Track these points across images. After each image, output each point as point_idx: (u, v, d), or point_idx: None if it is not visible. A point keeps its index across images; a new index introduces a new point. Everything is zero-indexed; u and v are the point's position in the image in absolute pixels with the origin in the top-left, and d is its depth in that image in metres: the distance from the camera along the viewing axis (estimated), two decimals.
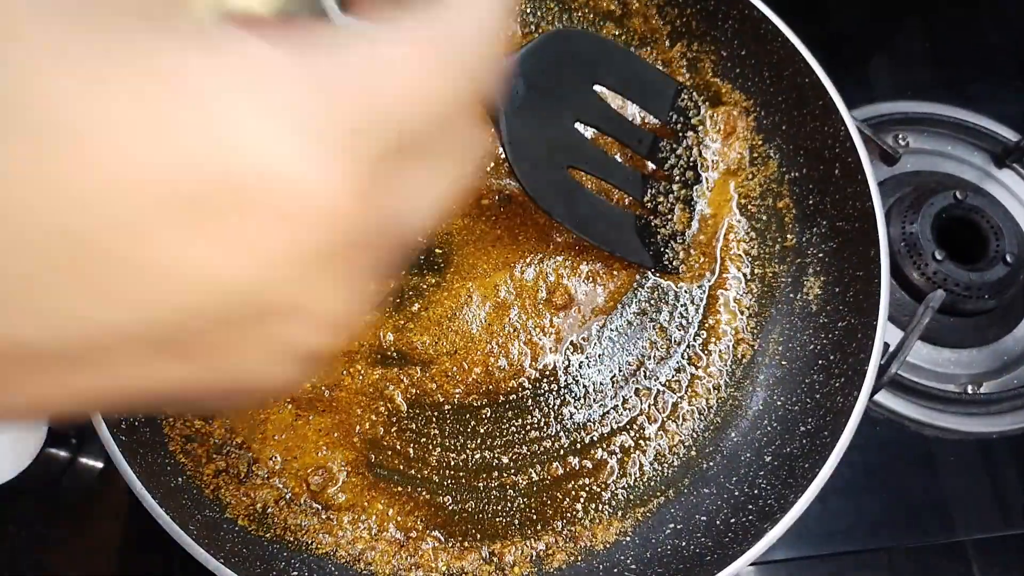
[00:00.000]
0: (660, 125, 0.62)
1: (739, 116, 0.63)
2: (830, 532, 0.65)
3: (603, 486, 0.56)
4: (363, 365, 0.57)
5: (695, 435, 0.58)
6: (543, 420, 0.57)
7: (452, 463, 0.56)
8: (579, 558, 0.54)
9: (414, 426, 0.56)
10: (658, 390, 0.59)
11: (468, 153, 0.23)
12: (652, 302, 0.61)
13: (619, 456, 0.57)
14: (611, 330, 0.60)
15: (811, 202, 0.61)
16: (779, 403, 0.58)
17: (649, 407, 0.59)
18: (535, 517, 0.55)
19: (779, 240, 0.62)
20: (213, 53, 0.17)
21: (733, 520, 0.53)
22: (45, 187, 0.15)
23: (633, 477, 0.57)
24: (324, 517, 0.54)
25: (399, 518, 0.54)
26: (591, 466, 0.57)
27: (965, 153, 0.79)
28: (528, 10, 0.67)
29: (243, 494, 0.53)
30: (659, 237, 0.61)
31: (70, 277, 0.16)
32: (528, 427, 0.57)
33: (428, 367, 0.58)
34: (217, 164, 0.16)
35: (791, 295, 0.61)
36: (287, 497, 0.54)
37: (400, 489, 0.55)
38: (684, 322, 0.61)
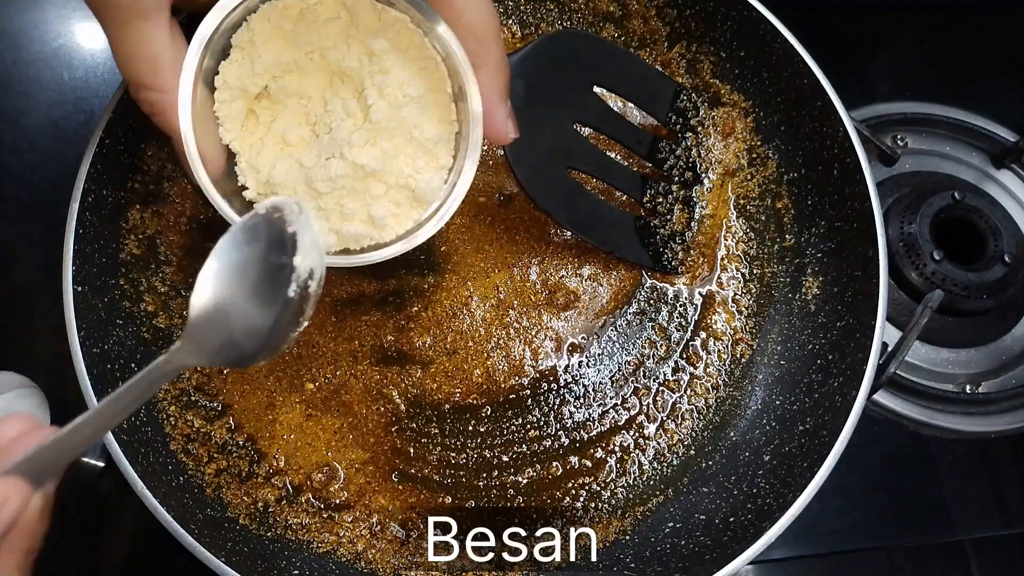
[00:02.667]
0: (659, 126, 0.62)
1: (738, 117, 0.64)
2: (829, 531, 0.65)
3: (603, 485, 0.57)
4: (365, 365, 0.57)
5: (694, 434, 0.59)
6: (543, 419, 0.58)
7: (452, 462, 0.56)
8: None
9: (414, 425, 0.57)
10: (657, 389, 0.59)
11: None
12: (651, 302, 0.62)
13: (618, 455, 0.57)
14: (610, 330, 0.60)
15: (810, 202, 0.61)
16: (778, 403, 0.58)
17: (648, 406, 0.59)
18: (535, 516, 0.55)
19: (778, 240, 0.62)
20: None
21: (732, 519, 0.53)
22: None
23: (632, 476, 0.57)
24: (325, 516, 0.54)
25: (400, 517, 0.55)
26: (591, 465, 0.57)
27: (964, 154, 0.79)
28: (527, 11, 0.68)
29: (244, 493, 0.53)
30: (658, 237, 0.61)
31: None
32: (528, 426, 0.57)
33: (428, 367, 0.58)
34: None
35: (790, 295, 0.61)
36: (289, 495, 0.54)
37: (401, 488, 0.55)
38: (683, 322, 0.61)
